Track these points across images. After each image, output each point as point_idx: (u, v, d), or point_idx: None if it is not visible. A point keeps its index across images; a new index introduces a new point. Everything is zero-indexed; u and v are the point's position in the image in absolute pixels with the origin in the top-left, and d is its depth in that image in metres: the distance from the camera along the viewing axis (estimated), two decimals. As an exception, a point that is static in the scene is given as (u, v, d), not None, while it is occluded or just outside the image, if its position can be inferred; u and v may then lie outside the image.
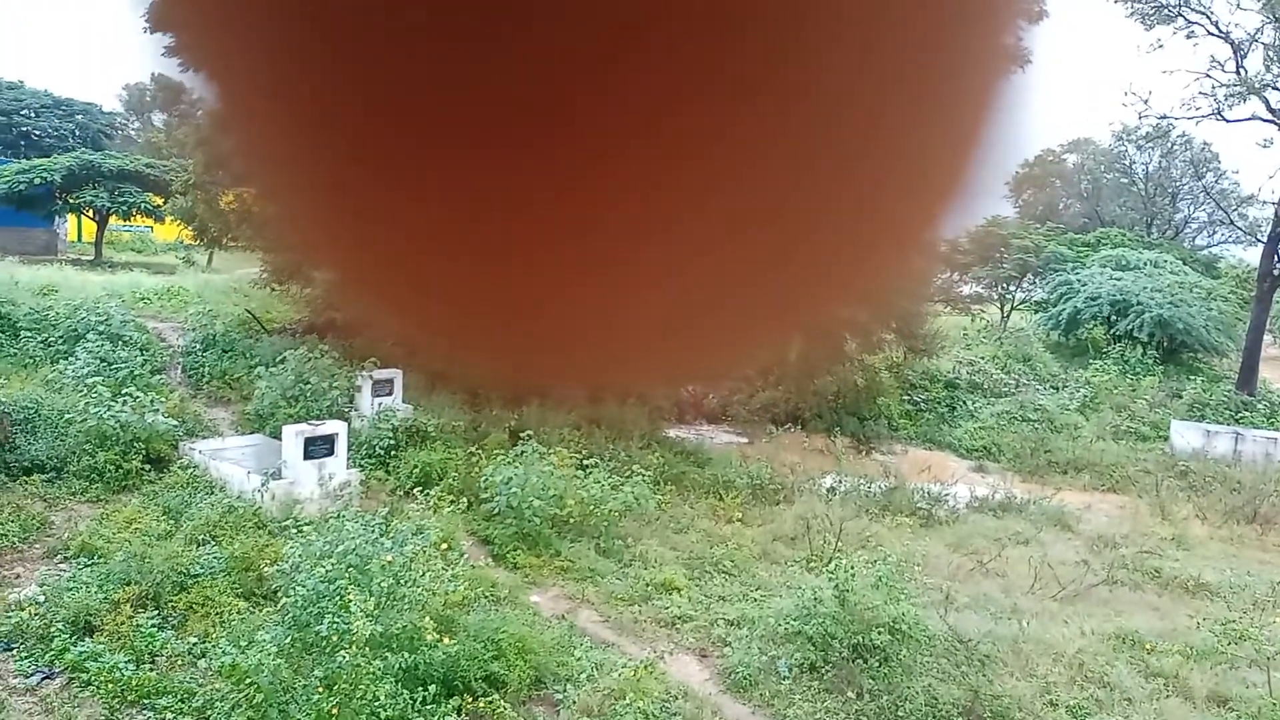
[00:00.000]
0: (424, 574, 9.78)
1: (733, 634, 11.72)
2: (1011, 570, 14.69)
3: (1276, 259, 28.36)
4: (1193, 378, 28.07)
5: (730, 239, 0.35)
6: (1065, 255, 35.68)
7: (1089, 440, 23.48)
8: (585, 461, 15.36)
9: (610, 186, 0.33)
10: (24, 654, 9.74)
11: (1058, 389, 27.17)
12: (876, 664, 10.58)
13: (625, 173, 0.33)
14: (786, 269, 0.37)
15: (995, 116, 0.37)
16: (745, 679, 10.72)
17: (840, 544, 14.28)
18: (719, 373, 0.43)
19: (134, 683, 9.24)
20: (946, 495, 18.25)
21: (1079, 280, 32.06)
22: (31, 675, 9.44)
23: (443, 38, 0.31)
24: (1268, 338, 32.96)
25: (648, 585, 12.97)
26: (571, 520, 14.21)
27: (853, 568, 11.22)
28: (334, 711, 7.99)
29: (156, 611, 10.45)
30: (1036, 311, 34.47)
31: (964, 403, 25.52)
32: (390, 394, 17.62)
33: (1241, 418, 25.66)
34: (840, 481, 18.51)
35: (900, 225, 0.37)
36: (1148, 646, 11.86)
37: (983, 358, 28.05)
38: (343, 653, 8.15)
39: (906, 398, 25.28)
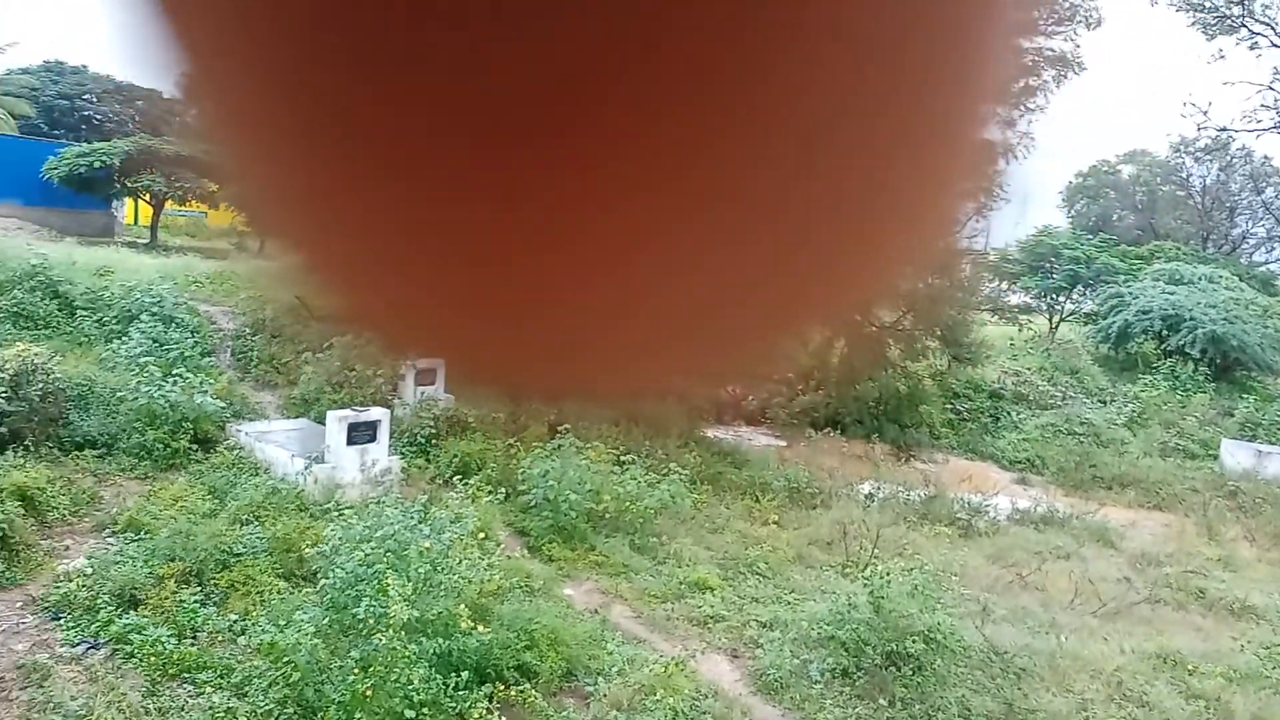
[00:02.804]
0: (460, 562, 9.87)
1: (765, 636, 11.69)
2: (1051, 585, 14.46)
3: (1338, 278, 27.67)
4: (1245, 396, 27.40)
5: (738, 235, 0.34)
6: (1117, 268, 35.02)
7: (1135, 456, 23.02)
8: (622, 458, 15.41)
9: (618, 180, 0.33)
10: (71, 624, 9.96)
11: (1105, 403, 26.69)
12: (910, 672, 10.49)
13: (632, 166, 0.32)
14: (797, 264, 0.36)
15: (1008, 111, 0.36)
16: (776, 681, 10.68)
17: (877, 550, 14.16)
18: (734, 372, 0.41)
19: (175, 656, 9.43)
20: (987, 506, 18.00)
21: (1130, 293, 31.46)
22: (78, 645, 9.66)
23: (439, 20, 0.30)
24: (1326, 358, 32.10)
25: (681, 584, 12.98)
26: (607, 515, 14.27)
27: (888, 574, 11.13)
28: (368, 693, 8.09)
29: (199, 588, 10.64)
30: (1086, 324, 33.87)
31: (1008, 414, 25.16)
32: (433, 383, 17.79)
33: (1295, 439, 25.04)
34: (879, 488, 18.35)
35: (914, 215, 0.37)
36: (1189, 667, 11.62)
37: (1029, 369, 27.64)
38: (379, 636, 8.25)
39: (949, 406, 24.98)
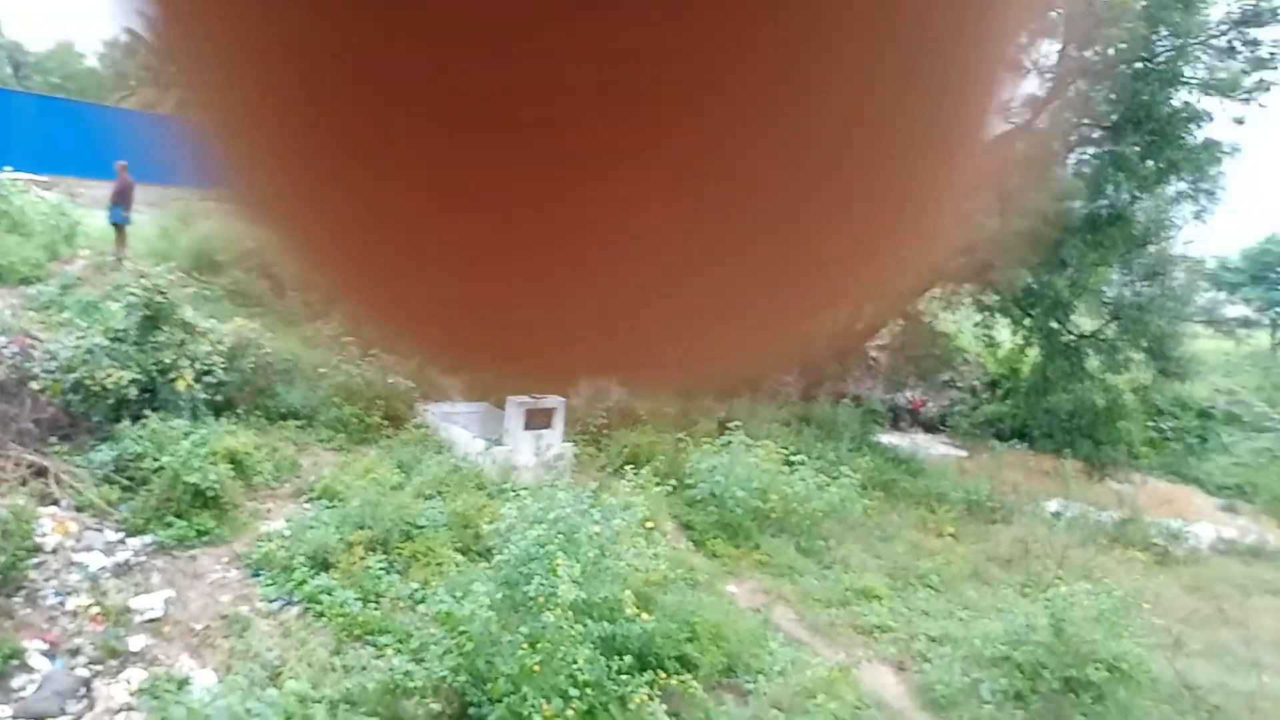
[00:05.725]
0: (627, 549, 10.00)
1: (934, 650, 11.27)
2: (1255, 621, 13.29)
3: None
4: None
5: (757, 228, 0.33)
6: (1356, 280, 31.65)
7: (1367, 489, 20.77)
8: (792, 458, 15.20)
9: (633, 177, 0.31)
10: (269, 581, 10.70)
11: (1333, 429, 24.20)
12: (1090, 700, 9.86)
13: (622, 143, 0.30)
14: (796, 246, 0.34)
15: (1010, 74, 0.34)
16: (944, 698, 10.28)
17: (1061, 572, 13.38)
18: (731, 361, 0.40)
19: (360, 619, 10.00)
20: (1188, 533, 16.71)
21: (1370, 309, 28.40)
22: (274, 601, 10.39)
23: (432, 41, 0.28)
24: None
25: (847, 590, 12.69)
26: (773, 515, 14.11)
27: (1072, 597, 10.50)
28: (535, 668, 8.33)
29: (384, 556, 11.23)
30: (1314, 341, 30.82)
31: (1217, 435, 23.24)
32: (608, 374, 18.13)
33: None
34: (1067, 507, 17.33)
35: (915, 201, 0.35)
36: None
37: (1245, 387, 25.38)
38: (548, 614, 8.47)
39: (1151, 424, 23.29)
